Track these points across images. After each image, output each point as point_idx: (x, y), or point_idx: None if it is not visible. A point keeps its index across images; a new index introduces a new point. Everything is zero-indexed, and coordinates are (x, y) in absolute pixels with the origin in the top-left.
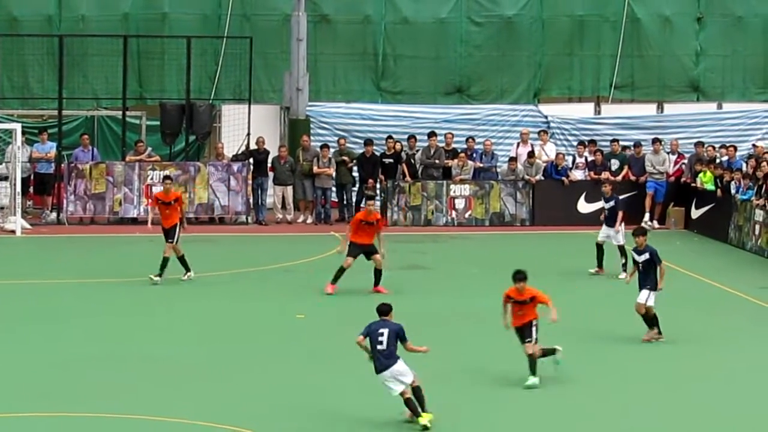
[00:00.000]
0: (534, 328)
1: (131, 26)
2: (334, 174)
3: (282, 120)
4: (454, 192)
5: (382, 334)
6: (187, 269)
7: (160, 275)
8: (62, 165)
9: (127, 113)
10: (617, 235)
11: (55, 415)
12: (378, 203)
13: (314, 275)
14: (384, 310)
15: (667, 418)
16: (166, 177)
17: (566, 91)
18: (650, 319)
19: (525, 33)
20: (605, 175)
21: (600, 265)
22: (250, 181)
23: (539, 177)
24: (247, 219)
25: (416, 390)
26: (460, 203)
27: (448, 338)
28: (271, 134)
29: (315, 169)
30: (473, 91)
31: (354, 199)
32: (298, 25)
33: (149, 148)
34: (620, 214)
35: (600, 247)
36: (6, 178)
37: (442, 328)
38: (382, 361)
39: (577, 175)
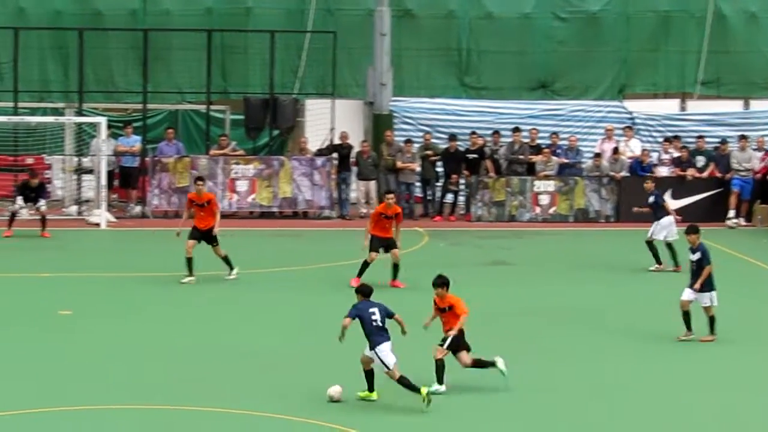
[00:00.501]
0: (449, 337)
1: (215, 21)
2: (418, 169)
3: (365, 115)
4: (538, 188)
5: (374, 313)
6: (231, 267)
7: (190, 275)
8: (146, 158)
9: (211, 107)
10: (656, 228)
11: (155, 408)
12: (462, 198)
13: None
14: (367, 291)
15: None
16: (198, 178)
17: (651, 88)
18: (709, 319)
19: (609, 29)
20: (691, 172)
21: (658, 261)
22: (333, 176)
23: (624, 173)
24: (330, 214)
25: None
26: (544, 199)
27: (518, 333)
28: (355, 129)
29: (399, 164)
30: (557, 86)
31: (438, 195)
32: (381, 20)
33: (233, 143)
34: (666, 206)
35: (650, 244)
36: (91, 172)
37: (517, 323)
38: (379, 337)
39: (663, 171)
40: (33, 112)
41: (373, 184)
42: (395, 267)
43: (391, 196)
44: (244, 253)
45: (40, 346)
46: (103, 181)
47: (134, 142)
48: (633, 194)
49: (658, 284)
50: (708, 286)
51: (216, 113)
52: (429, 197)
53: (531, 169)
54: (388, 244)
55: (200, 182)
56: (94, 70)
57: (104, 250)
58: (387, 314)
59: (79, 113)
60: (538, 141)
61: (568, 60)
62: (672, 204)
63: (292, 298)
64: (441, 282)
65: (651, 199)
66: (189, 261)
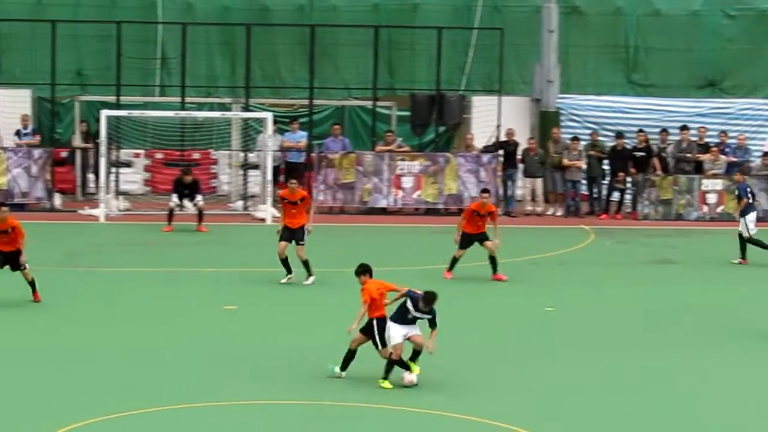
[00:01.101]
0: (375, 329)
1: (382, 17)
2: (584, 167)
3: (532, 112)
4: (706, 186)
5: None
6: (310, 273)
7: (290, 275)
8: (312, 154)
9: (377, 103)
10: (742, 221)
11: (319, 404)
12: (629, 196)
13: (563, 268)
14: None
15: None
16: (291, 179)
17: None
18: None
19: None
20: None
21: (743, 255)
22: (499, 173)
23: None
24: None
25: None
26: (711, 198)
27: (680, 331)
28: (521, 126)
29: (565, 161)
30: (726, 85)
31: (604, 193)
32: (549, 17)
33: (399, 139)
34: (742, 201)
35: (741, 237)
36: (257, 167)
37: (680, 321)
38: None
39: None
40: (200, 107)
41: (539, 181)
42: (492, 260)
43: (487, 195)
44: (408, 249)
45: (205, 341)
46: (269, 176)
47: (300, 137)
48: None
49: None
50: None
51: (382, 109)
52: (595, 195)
53: (699, 168)
54: (480, 239)
55: (293, 181)
56: (260, 65)
57: (269, 245)
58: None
59: (246, 108)
60: (706, 139)
61: (737, 58)
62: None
63: (448, 296)
64: (359, 271)
65: (736, 192)
66: (284, 262)
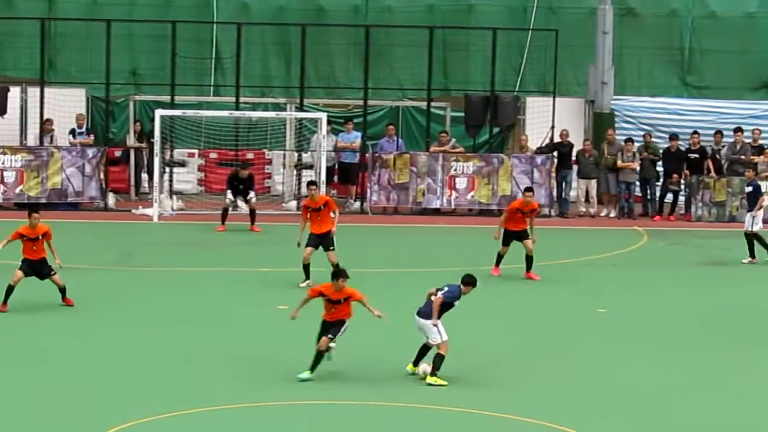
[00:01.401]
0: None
1: (437, 17)
2: (638, 168)
3: (586, 113)
4: None
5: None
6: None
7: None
8: (366, 154)
9: (432, 104)
10: (750, 219)
11: (368, 405)
12: (682, 198)
13: (616, 269)
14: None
15: None
16: (311, 182)
17: None
18: None
19: None
20: None
21: (752, 254)
22: (553, 174)
23: None
24: (549, 212)
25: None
26: (766, 200)
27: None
28: (575, 127)
29: (619, 163)
30: None
31: (658, 194)
32: (604, 18)
33: (453, 140)
34: (762, 198)
35: (748, 236)
36: (311, 167)
37: (732, 323)
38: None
39: None
40: (254, 107)
41: (593, 182)
42: (528, 259)
43: (530, 193)
44: (460, 249)
45: (258, 341)
46: (323, 176)
47: (354, 138)
48: None
49: None
50: None
51: (436, 110)
52: (648, 197)
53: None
54: (520, 236)
55: (313, 186)
56: (315, 65)
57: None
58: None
59: (300, 109)
60: (761, 141)
61: None
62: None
63: (507, 296)
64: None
65: (749, 188)
66: (306, 267)
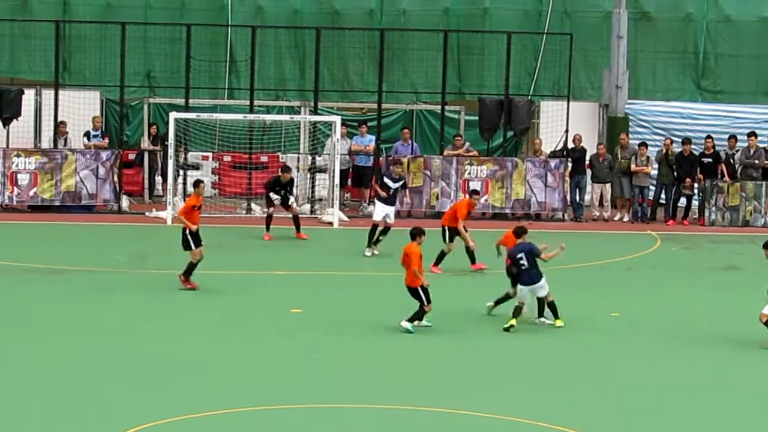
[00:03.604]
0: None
1: (452, 21)
2: (652, 172)
3: (600, 117)
4: None
5: (522, 258)
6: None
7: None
8: (381, 158)
9: (446, 108)
10: None
11: (391, 408)
12: (696, 202)
13: (630, 273)
14: (519, 232)
15: None
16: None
17: None
18: None
19: None
20: None
21: None
22: (567, 178)
23: None
24: (563, 216)
25: (551, 304)
26: None
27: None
28: (589, 131)
29: (633, 167)
30: None
31: (672, 198)
32: (618, 22)
33: (467, 143)
34: None
35: None
36: (325, 170)
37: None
38: (526, 278)
39: None
40: (269, 110)
41: (607, 186)
42: (470, 252)
43: (477, 196)
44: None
45: (270, 344)
46: (337, 180)
47: (369, 141)
48: None
49: None
50: None
51: (450, 114)
52: (662, 201)
53: (766, 174)
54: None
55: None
56: (330, 69)
57: (337, 249)
58: (533, 254)
59: (315, 112)
60: None
61: None
62: None
63: None
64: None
65: None
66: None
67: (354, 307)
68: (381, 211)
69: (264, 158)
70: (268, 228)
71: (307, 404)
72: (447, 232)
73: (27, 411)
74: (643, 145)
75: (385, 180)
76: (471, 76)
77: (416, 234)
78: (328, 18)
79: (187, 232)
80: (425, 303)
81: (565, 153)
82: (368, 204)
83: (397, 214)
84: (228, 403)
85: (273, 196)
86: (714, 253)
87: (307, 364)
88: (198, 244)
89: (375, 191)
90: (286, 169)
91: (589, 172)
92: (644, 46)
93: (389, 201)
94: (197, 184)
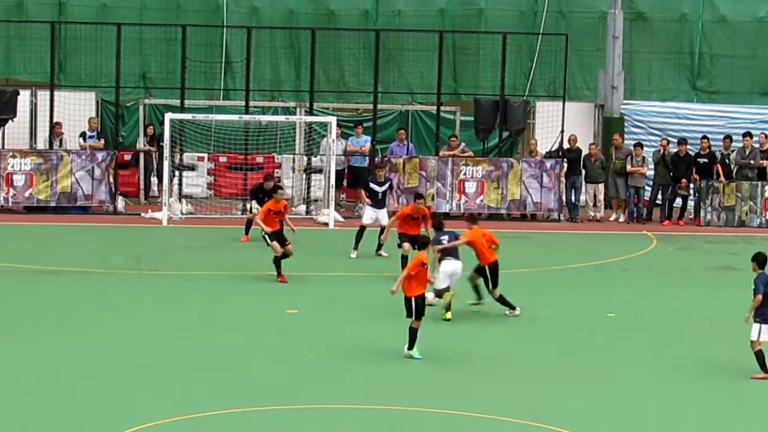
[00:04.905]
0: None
1: (447, 22)
2: (647, 173)
3: (596, 118)
4: None
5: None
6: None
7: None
8: (376, 158)
9: (442, 108)
10: None
11: (390, 409)
12: (691, 203)
13: (625, 274)
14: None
15: None
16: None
17: None
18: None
19: None
20: None
21: None
22: (563, 179)
23: None
24: (559, 216)
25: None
26: None
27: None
28: (585, 132)
29: (628, 167)
30: None
31: (668, 198)
32: (614, 23)
33: (463, 144)
34: None
35: None
36: (320, 171)
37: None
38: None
39: None
40: (264, 111)
41: (600, 186)
42: (406, 260)
43: (421, 200)
44: (469, 252)
45: (267, 344)
46: (332, 180)
47: (364, 142)
48: None
49: None
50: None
51: (446, 114)
52: (658, 202)
53: (762, 174)
54: (415, 239)
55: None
56: (325, 69)
57: (330, 249)
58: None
59: (310, 113)
60: None
61: None
62: None
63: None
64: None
65: None
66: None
67: (350, 308)
68: (371, 215)
69: (259, 159)
70: (247, 232)
71: (306, 405)
72: (398, 236)
73: (23, 412)
74: (639, 145)
75: (371, 186)
76: (466, 76)
77: (424, 244)
78: (323, 19)
79: (263, 233)
80: (413, 316)
81: (560, 153)
82: (363, 205)
83: (392, 214)
84: (227, 404)
85: (254, 204)
86: (710, 254)
87: (305, 364)
88: (282, 243)
89: (364, 200)
90: (269, 177)
91: (584, 172)
92: (639, 46)
93: (379, 204)
94: (275, 189)
